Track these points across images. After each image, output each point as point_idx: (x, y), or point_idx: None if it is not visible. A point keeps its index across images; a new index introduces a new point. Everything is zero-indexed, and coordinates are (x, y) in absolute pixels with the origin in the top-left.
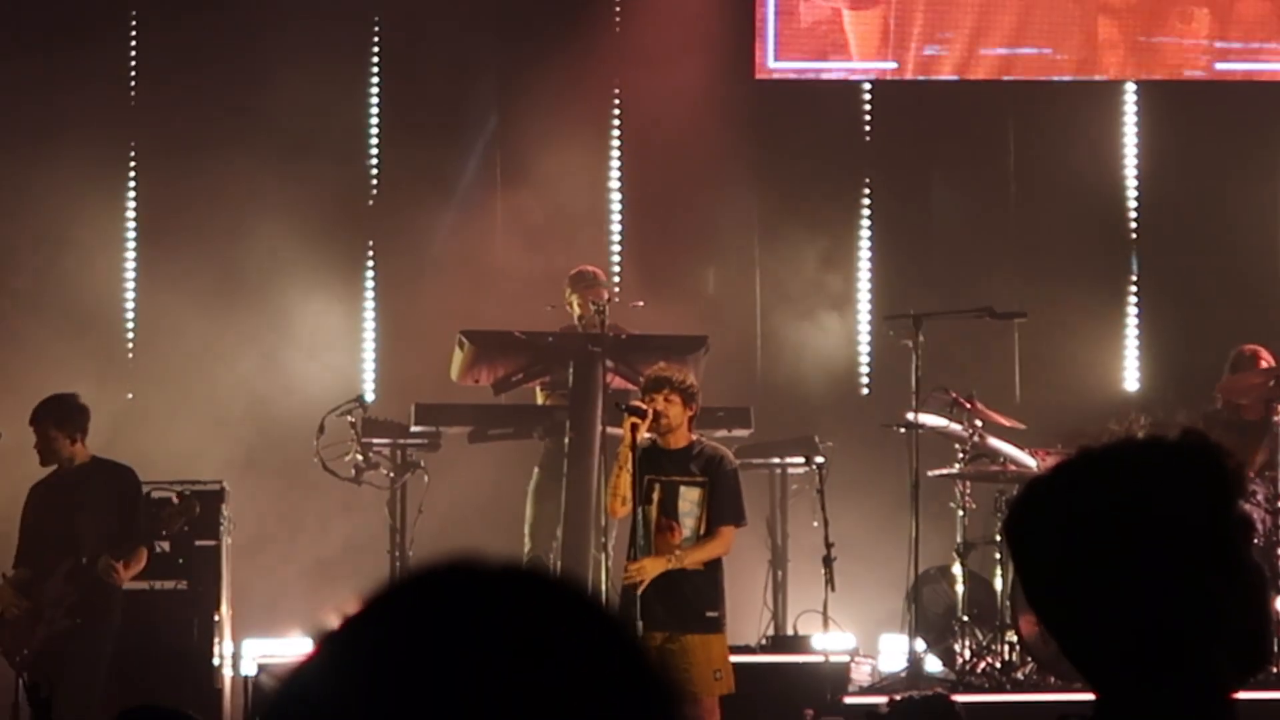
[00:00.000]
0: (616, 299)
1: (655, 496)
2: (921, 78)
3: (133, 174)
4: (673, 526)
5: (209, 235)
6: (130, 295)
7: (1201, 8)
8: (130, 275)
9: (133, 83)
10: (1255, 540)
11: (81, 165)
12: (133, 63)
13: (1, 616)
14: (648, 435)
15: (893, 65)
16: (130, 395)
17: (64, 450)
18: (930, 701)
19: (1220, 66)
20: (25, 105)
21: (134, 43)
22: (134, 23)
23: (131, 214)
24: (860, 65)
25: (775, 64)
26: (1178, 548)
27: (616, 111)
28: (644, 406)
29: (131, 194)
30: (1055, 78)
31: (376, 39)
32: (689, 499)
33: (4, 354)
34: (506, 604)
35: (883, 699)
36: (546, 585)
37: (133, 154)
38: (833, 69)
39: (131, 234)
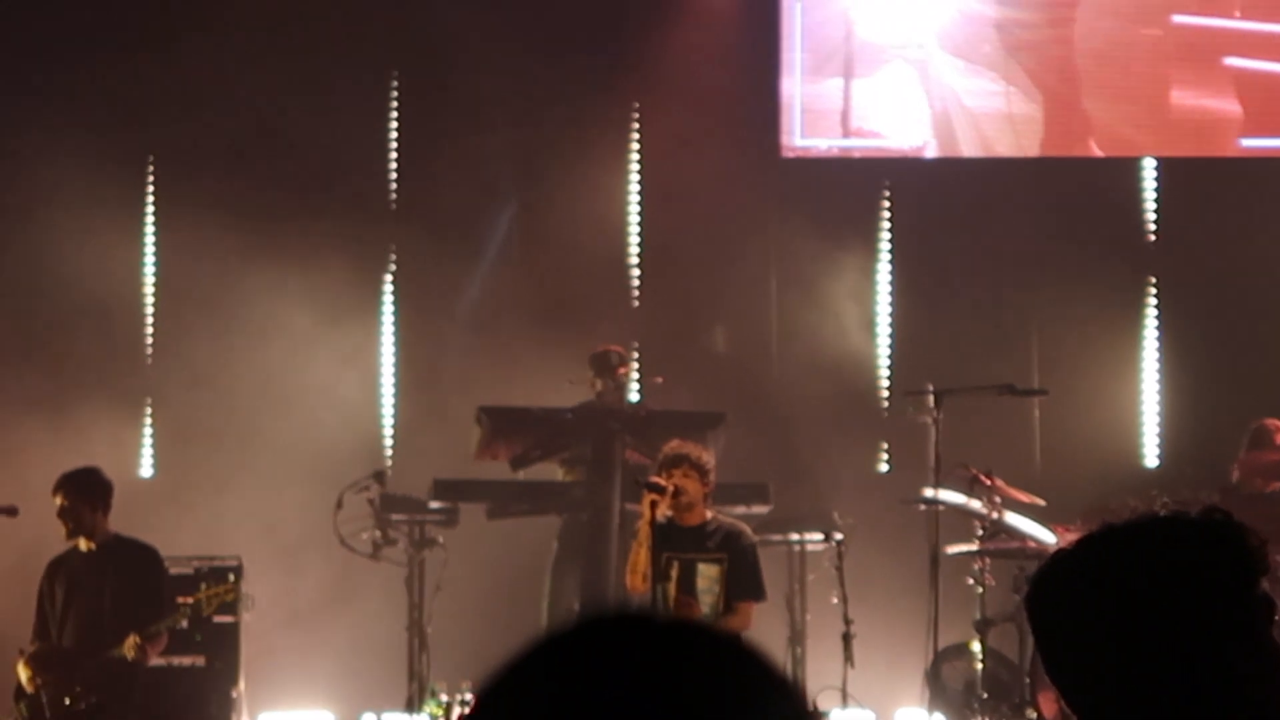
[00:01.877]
0: (635, 373)
1: (673, 574)
2: (948, 156)
3: (152, 243)
4: (691, 604)
5: (224, 311)
6: (149, 366)
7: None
8: (148, 343)
9: (151, 168)
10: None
11: (98, 235)
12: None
13: (21, 690)
14: (666, 513)
15: (919, 143)
16: (148, 472)
17: (88, 522)
18: None
19: (1247, 144)
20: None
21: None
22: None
23: (150, 289)
24: (885, 145)
25: (801, 141)
26: (1201, 625)
27: (637, 189)
28: (663, 483)
29: (151, 263)
30: (1082, 155)
31: (395, 133)
32: (707, 576)
33: (23, 427)
34: (680, 657)
35: None
36: (720, 641)
37: (152, 229)
38: (859, 147)
39: (150, 309)
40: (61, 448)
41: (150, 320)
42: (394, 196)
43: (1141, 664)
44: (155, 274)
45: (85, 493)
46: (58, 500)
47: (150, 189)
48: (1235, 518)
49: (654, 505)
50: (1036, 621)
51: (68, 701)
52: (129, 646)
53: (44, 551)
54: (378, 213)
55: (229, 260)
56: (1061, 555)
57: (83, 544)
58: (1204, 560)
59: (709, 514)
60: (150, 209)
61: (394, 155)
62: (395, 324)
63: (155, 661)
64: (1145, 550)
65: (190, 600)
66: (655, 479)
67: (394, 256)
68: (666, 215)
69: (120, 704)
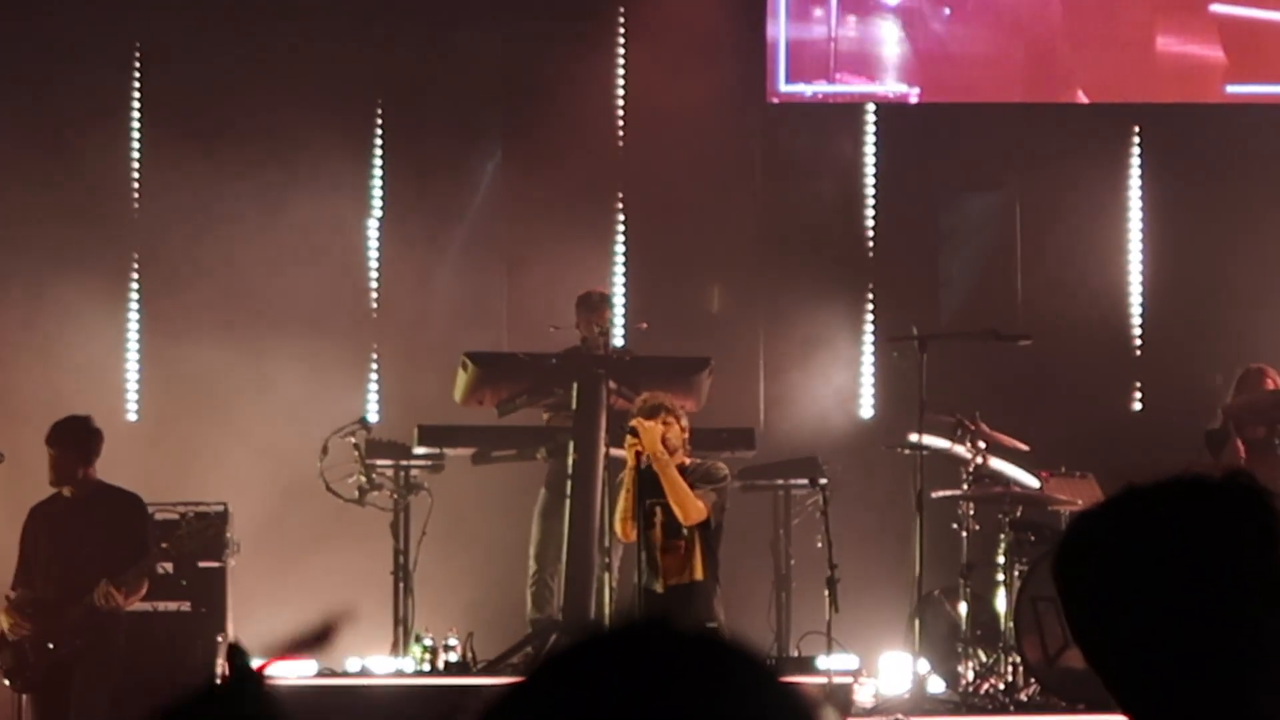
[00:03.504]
0: (620, 323)
1: (657, 520)
2: (933, 101)
3: (136, 178)
4: (679, 546)
5: (209, 249)
6: (134, 315)
7: (1214, 31)
8: (134, 296)
9: (136, 116)
10: None
11: (83, 175)
12: (136, 95)
13: (3, 638)
14: (644, 459)
15: (904, 89)
16: (132, 417)
17: (76, 473)
18: None
19: (1232, 90)
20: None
21: (138, 76)
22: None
23: (135, 248)
24: (870, 89)
25: (786, 87)
26: (1230, 589)
27: (620, 133)
28: (648, 424)
29: (135, 204)
30: (1064, 101)
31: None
32: None
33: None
34: (702, 673)
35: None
36: (740, 657)
37: (136, 168)
38: (844, 93)
39: (135, 259)
40: (47, 391)
41: (135, 262)
42: (378, 144)
43: (1170, 628)
44: (138, 195)
45: (75, 445)
46: (51, 450)
47: (136, 87)
48: (1255, 476)
49: (639, 453)
50: (1063, 584)
51: (50, 647)
52: (100, 594)
53: (26, 496)
54: (359, 172)
55: (210, 183)
56: (1087, 518)
57: (67, 490)
58: (1232, 524)
59: (688, 460)
60: (135, 107)
61: (379, 125)
62: (379, 263)
63: (140, 606)
64: (1172, 514)
65: (165, 545)
66: (639, 421)
67: (379, 203)
68: (652, 160)
69: (103, 648)
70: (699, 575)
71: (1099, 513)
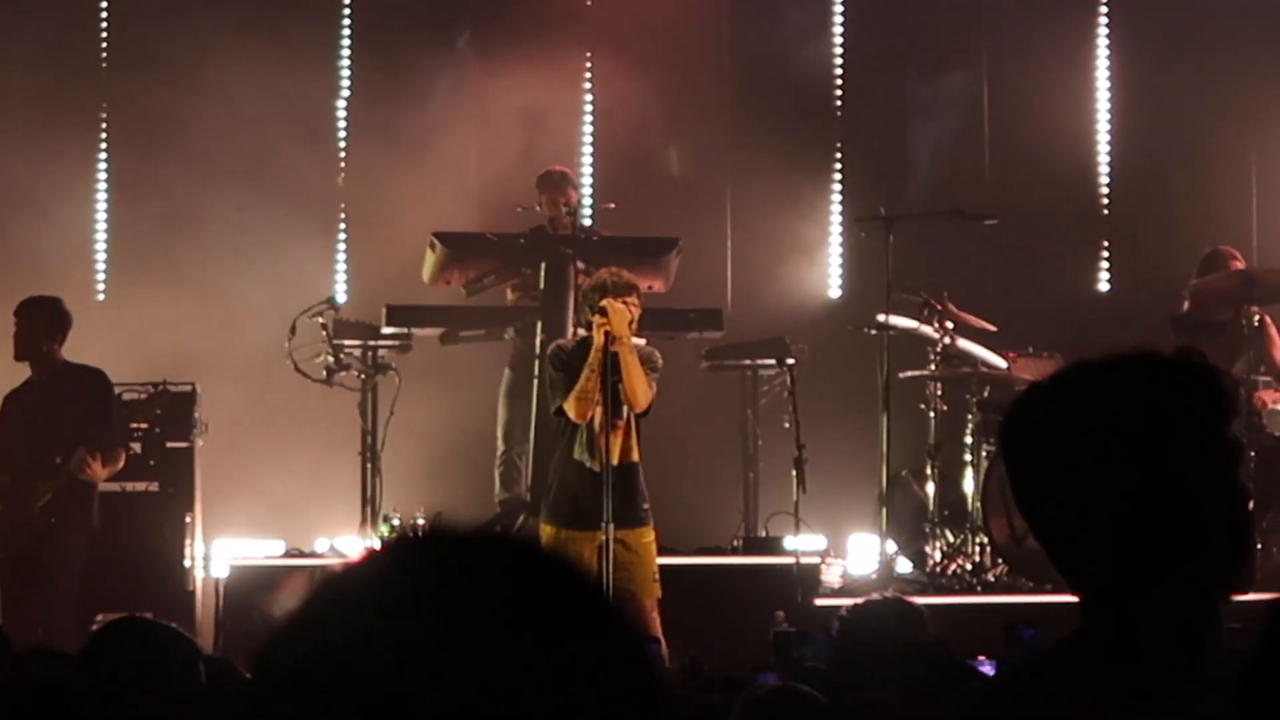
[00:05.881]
0: (585, 201)
1: (606, 400)
2: None
3: (105, 65)
4: (619, 426)
5: (178, 132)
6: (102, 194)
7: None
8: (102, 173)
9: None
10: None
11: (52, 65)
12: None
13: None
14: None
15: None
16: (101, 296)
17: (43, 349)
18: (890, 605)
19: None
20: None
21: None
22: None
23: (103, 115)
24: None
25: None
26: (1172, 465)
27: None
28: (613, 306)
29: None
30: None
31: None
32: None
33: None
34: (487, 576)
35: (852, 601)
36: (528, 556)
37: (105, 54)
38: None
39: (103, 135)
40: (15, 275)
41: (103, 150)
42: (346, 16)
43: (1111, 501)
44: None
45: (47, 320)
46: (16, 322)
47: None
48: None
49: (608, 334)
50: (1008, 453)
51: (22, 526)
52: (76, 461)
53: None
54: (327, 44)
55: (179, 91)
56: (1036, 389)
57: (34, 373)
58: (1178, 400)
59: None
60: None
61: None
62: (346, 143)
63: (109, 487)
64: (1120, 389)
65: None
66: (610, 301)
67: (346, 82)
68: (619, 37)
69: (74, 526)
70: (635, 456)
71: (1047, 385)
